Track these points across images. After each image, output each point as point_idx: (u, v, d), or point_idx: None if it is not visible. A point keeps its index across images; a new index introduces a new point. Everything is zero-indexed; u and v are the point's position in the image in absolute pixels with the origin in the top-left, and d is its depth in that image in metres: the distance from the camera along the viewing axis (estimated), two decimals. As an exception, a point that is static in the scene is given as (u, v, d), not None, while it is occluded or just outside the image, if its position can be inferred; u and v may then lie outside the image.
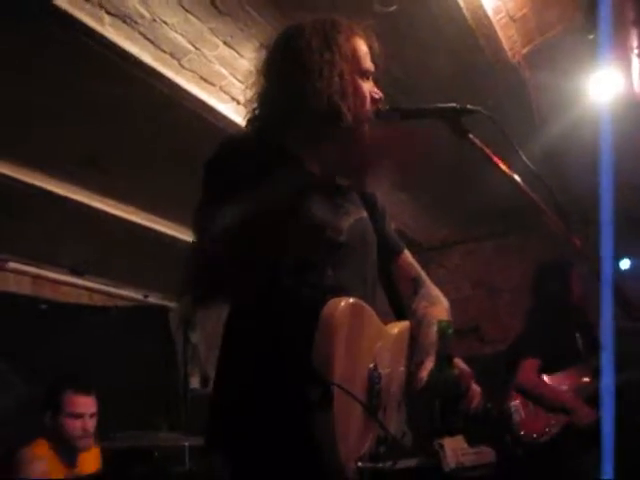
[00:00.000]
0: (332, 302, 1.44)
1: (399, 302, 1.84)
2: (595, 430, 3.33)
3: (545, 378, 3.73)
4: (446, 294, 1.91)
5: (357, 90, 1.72)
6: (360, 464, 1.41)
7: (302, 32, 1.72)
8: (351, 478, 1.39)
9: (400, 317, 1.80)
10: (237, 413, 1.55)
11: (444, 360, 1.57)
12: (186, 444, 4.68)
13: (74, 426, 3.38)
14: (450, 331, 1.57)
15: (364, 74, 1.75)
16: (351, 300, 1.47)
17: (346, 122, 1.67)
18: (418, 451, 1.58)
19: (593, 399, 3.59)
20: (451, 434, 1.55)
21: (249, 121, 1.78)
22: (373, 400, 1.51)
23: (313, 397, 1.36)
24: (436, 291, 1.91)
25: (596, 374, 3.68)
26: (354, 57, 1.73)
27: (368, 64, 1.76)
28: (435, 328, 1.67)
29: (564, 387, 3.71)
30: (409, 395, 1.67)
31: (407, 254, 1.96)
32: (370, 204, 1.86)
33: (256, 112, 1.77)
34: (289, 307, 1.54)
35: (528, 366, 3.72)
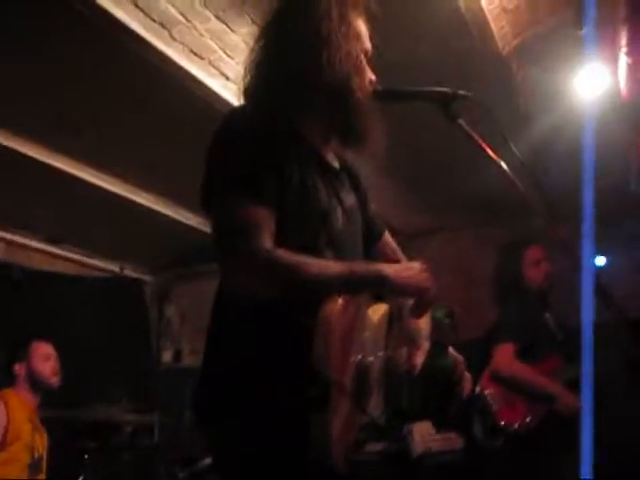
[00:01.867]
0: (330, 301, 1.45)
1: None
2: (577, 422, 3.35)
3: (522, 364, 3.54)
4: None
5: (363, 68, 1.73)
6: (348, 455, 1.44)
7: (318, 1, 1.69)
8: (341, 468, 1.42)
9: (377, 297, 1.82)
10: (235, 397, 1.55)
11: (440, 348, 1.61)
12: (155, 419, 4.72)
13: (44, 367, 3.90)
14: (446, 320, 1.60)
15: (365, 54, 1.75)
16: (345, 298, 1.49)
17: (356, 97, 1.68)
18: (389, 436, 1.61)
19: (573, 384, 3.43)
20: (445, 419, 1.60)
21: (248, 89, 1.76)
22: (361, 390, 1.54)
23: (312, 396, 1.38)
24: None
25: (571, 358, 3.54)
26: (360, 35, 1.74)
27: (369, 44, 1.77)
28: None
29: (542, 372, 3.53)
30: (393, 379, 1.69)
31: (388, 236, 1.99)
32: (355, 186, 1.87)
33: (257, 81, 1.73)
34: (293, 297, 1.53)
35: (503, 351, 3.55)
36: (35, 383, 3.89)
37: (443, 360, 1.63)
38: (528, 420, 3.45)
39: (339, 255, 1.64)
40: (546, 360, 3.59)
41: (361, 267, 1.57)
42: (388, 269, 1.57)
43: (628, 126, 3.90)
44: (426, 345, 1.67)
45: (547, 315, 3.75)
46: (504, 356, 3.56)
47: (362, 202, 1.88)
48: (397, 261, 1.92)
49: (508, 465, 3.46)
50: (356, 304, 1.57)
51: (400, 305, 1.79)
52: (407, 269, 1.62)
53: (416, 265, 1.64)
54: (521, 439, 3.44)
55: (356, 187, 1.87)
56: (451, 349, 1.68)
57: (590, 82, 3.46)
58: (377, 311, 1.72)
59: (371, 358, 1.61)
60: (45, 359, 3.94)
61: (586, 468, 1.73)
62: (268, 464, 1.50)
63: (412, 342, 1.69)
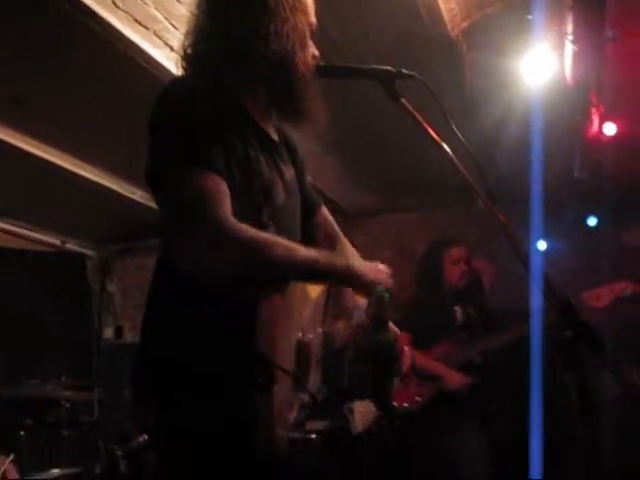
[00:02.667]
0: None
1: None
2: (468, 401, 3.79)
3: (415, 350, 3.81)
4: (366, 260, 1.93)
5: (308, 42, 1.71)
6: (291, 434, 1.46)
7: None
8: (283, 448, 1.43)
9: None
10: (174, 373, 1.53)
11: (380, 323, 1.61)
12: (95, 396, 4.66)
13: None
14: (387, 296, 1.60)
15: (310, 28, 1.73)
16: None
17: (299, 71, 1.67)
18: (330, 414, 1.62)
19: (465, 368, 3.84)
20: (384, 394, 1.61)
21: (189, 57, 1.71)
22: (302, 368, 1.54)
23: (257, 379, 1.38)
24: (351, 249, 1.94)
25: (470, 345, 3.96)
26: (307, 8, 1.72)
27: (314, 18, 1.75)
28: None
29: (435, 357, 3.89)
30: (332, 355, 1.70)
31: (324, 209, 1.98)
32: (293, 158, 1.86)
33: (199, 48, 1.69)
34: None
35: None
36: None
37: (383, 335, 1.63)
38: (418, 399, 3.80)
39: (280, 229, 1.63)
40: (437, 346, 3.93)
41: (329, 258, 1.56)
42: (357, 266, 1.58)
43: (572, 113, 3.96)
44: (358, 322, 1.69)
45: (456, 308, 4.09)
46: None
47: (299, 175, 1.87)
48: (332, 235, 1.92)
49: (406, 444, 3.79)
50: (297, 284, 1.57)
51: None
52: (376, 270, 1.65)
53: (383, 267, 1.67)
54: (415, 417, 3.77)
55: (294, 160, 1.86)
56: (391, 324, 1.69)
57: (536, 67, 3.50)
58: (315, 288, 1.72)
59: (311, 335, 1.62)
60: None
61: (535, 468, 1.75)
62: (206, 442, 1.49)
63: (350, 318, 1.70)
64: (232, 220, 1.44)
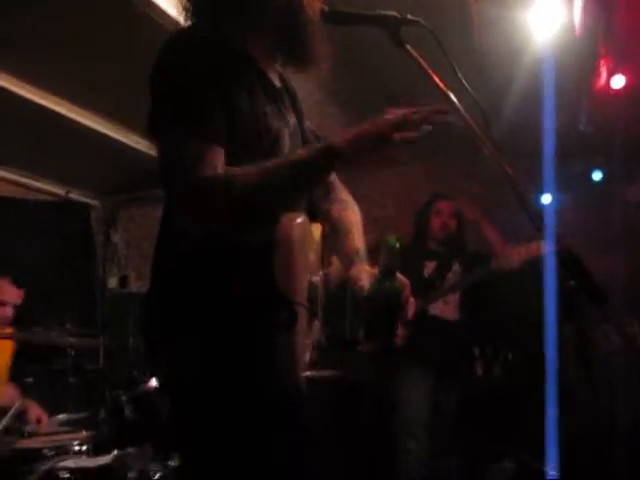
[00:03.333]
0: (285, 222, 1.46)
1: (309, 201, 1.84)
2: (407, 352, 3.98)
3: None
4: (369, 211, 1.94)
5: None
6: (309, 373, 1.50)
7: None
8: (303, 388, 1.46)
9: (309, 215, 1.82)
10: (190, 320, 1.54)
11: (389, 272, 1.64)
12: (100, 343, 4.70)
13: None
14: (397, 245, 1.63)
15: None
16: (299, 219, 1.50)
17: (306, 15, 1.64)
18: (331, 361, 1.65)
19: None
20: (391, 341, 1.65)
21: (193, 8, 1.69)
22: (314, 309, 1.55)
23: (278, 318, 1.40)
24: (347, 195, 1.94)
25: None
26: None
27: None
28: (354, 234, 1.79)
29: None
30: (331, 297, 1.73)
31: None
32: (294, 104, 1.85)
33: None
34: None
35: None
36: None
37: (391, 283, 1.66)
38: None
39: None
40: None
41: (304, 152, 1.53)
42: (333, 139, 1.50)
43: (580, 64, 3.91)
44: (366, 267, 1.70)
45: (428, 263, 4.27)
46: None
47: (300, 121, 1.86)
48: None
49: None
50: (306, 222, 1.58)
51: (334, 222, 1.84)
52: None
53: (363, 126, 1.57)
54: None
55: (294, 105, 1.84)
56: (398, 273, 1.71)
57: (545, 18, 3.45)
58: (315, 230, 1.74)
59: (316, 277, 1.64)
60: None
61: (552, 465, 1.77)
62: (229, 385, 1.50)
63: (350, 262, 1.72)
64: (211, 172, 1.44)
